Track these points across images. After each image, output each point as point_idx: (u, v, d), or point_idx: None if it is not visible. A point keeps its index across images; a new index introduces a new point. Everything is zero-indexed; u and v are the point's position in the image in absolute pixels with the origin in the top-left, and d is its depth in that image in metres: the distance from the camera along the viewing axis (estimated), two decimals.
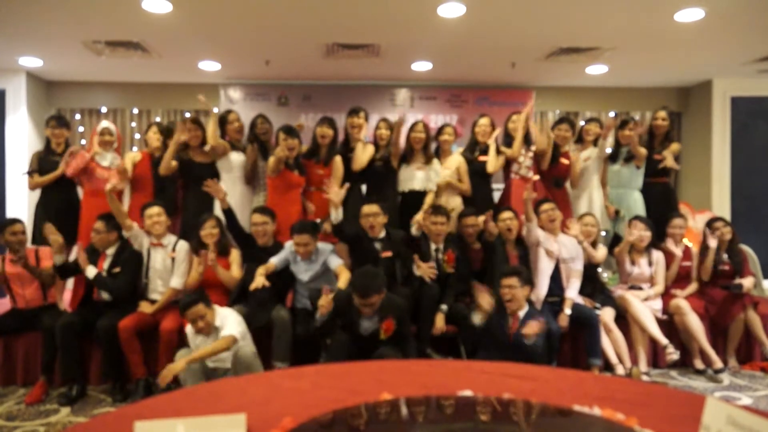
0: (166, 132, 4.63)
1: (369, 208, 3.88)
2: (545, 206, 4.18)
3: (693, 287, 4.46)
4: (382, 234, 3.95)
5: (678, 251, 4.45)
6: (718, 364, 4.02)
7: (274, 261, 3.74)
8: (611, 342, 4.01)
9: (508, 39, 5.16)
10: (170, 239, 3.93)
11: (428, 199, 4.40)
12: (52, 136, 4.42)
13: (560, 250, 4.11)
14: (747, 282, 4.32)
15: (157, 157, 4.47)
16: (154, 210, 3.85)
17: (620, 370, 3.93)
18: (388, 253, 3.89)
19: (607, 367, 3.97)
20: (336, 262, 3.75)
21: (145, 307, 3.77)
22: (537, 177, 4.65)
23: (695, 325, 4.10)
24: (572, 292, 4.06)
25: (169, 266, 3.86)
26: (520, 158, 4.61)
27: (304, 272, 3.78)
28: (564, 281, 4.10)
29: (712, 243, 4.38)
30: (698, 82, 6.86)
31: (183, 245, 3.90)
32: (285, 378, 1.76)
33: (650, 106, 6.89)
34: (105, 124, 4.47)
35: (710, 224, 4.56)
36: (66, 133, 4.49)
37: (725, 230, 4.47)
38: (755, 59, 5.80)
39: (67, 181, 4.39)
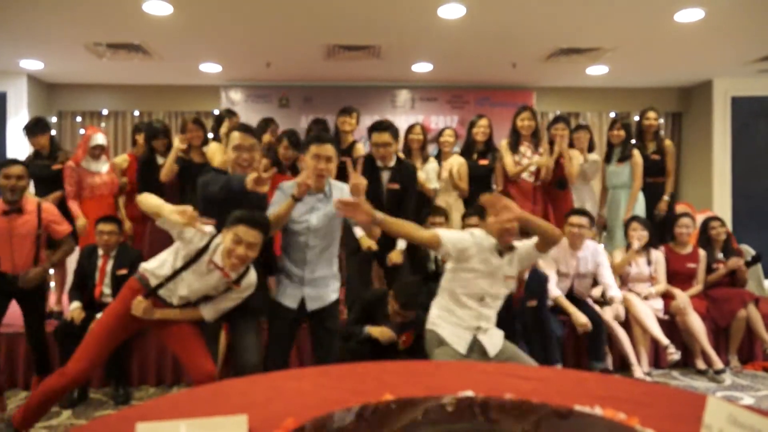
0: (148, 129, 4.45)
1: (380, 137, 3.53)
2: (574, 219, 3.91)
3: (697, 289, 4.46)
4: (392, 163, 3.63)
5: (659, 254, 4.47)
6: (719, 364, 4.02)
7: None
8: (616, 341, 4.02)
9: (508, 40, 5.17)
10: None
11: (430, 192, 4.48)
12: (31, 144, 4.28)
13: (578, 265, 4.00)
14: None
15: (141, 160, 4.39)
16: (252, 236, 2.48)
17: (639, 372, 3.92)
18: (395, 186, 3.62)
19: (623, 366, 3.99)
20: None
21: (146, 310, 2.55)
22: (538, 183, 4.62)
23: (696, 325, 4.10)
24: (616, 291, 4.02)
25: (210, 287, 2.62)
26: (524, 160, 4.60)
27: (310, 212, 2.74)
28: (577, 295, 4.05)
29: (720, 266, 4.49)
30: (699, 83, 6.86)
31: (250, 282, 2.66)
32: (286, 379, 1.76)
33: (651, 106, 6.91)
34: (99, 140, 4.22)
35: (706, 224, 4.60)
36: (43, 138, 4.24)
37: (721, 230, 4.54)
38: (755, 59, 5.80)
39: (58, 186, 4.22)
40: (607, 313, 4.05)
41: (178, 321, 2.63)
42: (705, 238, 4.60)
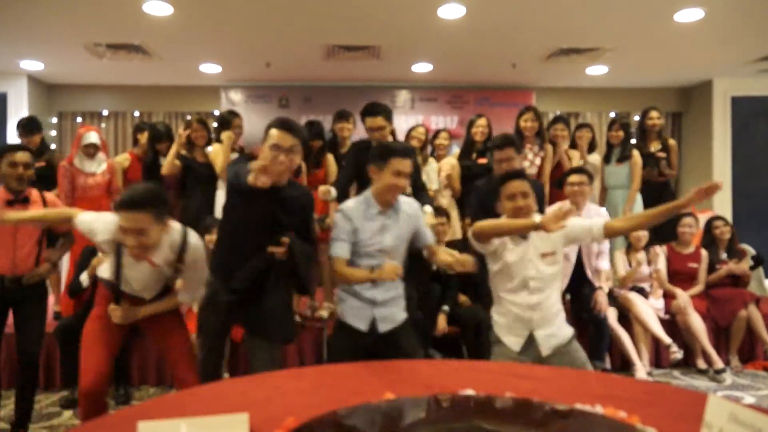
0: (152, 132, 4.42)
1: (374, 121, 3.43)
2: (574, 177, 3.82)
3: (698, 288, 4.46)
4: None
5: (661, 255, 4.45)
6: (719, 364, 4.02)
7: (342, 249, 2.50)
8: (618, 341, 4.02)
9: (508, 40, 5.17)
10: (166, 245, 2.41)
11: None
12: (25, 143, 4.22)
13: None
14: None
15: (146, 160, 4.39)
16: (135, 221, 2.22)
17: (642, 372, 3.90)
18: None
19: (623, 366, 3.97)
20: (429, 235, 2.71)
21: (124, 316, 2.44)
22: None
23: (697, 324, 4.10)
24: (605, 264, 3.92)
25: (154, 275, 2.49)
26: (526, 163, 4.59)
27: (382, 232, 2.53)
28: (587, 268, 3.88)
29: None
30: (698, 82, 6.86)
31: (195, 254, 2.49)
32: (287, 378, 1.76)
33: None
34: (92, 139, 4.12)
35: (710, 223, 4.61)
36: (38, 137, 4.29)
37: (725, 229, 4.55)
38: (755, 59, 5.81)
39: (44, 183, 3.97)
40: (611, 316, 4.05)
41: (163, 312, 2.55)
42: (709, 237, 4.60)
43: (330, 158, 4.38)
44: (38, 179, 4.07)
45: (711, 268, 4.51)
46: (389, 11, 4.42)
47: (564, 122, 4.75)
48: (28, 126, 4.27)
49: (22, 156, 2.88)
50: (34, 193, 3.00)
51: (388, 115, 3.48)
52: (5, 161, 2.85)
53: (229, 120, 4.37)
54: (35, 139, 4.28)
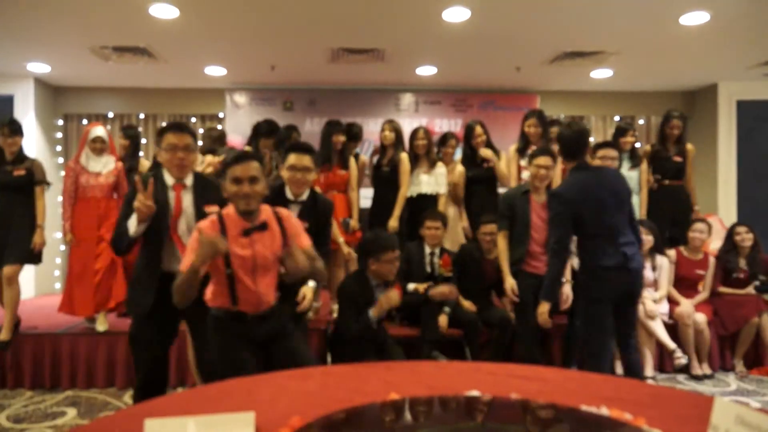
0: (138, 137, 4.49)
1: (300, 160, 2.89)
2: (603, 152, 3.70)
3: (703, 296, 4.43)
4: (305, 196, 2.97)
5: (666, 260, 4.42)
6: (699, 371, 4.11)
7: None
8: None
9: (512, 43, 5.17)
10: None
11: (441, 202, 4.41)
12: (5, 144, 3.95)
13: None
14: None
15: (127, 164, 4.40)
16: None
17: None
18: (304, 224, 2.71)
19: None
20: None
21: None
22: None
23: (691, 338, 4.11)
24: None
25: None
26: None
27: None
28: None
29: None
30: (704, 86, 6.85)
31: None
32: (292, 378, 1.77)
33: (655, 110, 6.90)
34: (98, 132, 4.04)
35: (732, 229, 4.56)
36: (19, 140, 4.02)
37: (746, 236, 4.46)
38: (761, 63, 5.79)
39: (22, 193, 3.97)
40: None
41: None
42: (730, 243, 4.52)
43: (353, 162, 4.40)
44: (17, 188, 3.91)
45: (728, 275, 4.46)
46: (394, 14, 4.43)
47: (559, 126, 4.75)
48: (15, 125, 4.00)
49: (250, 168, 2.23)
50: (265, 211, 2.35)
51: (316, 159, 2.98)
52: (228, 177, 2.25)
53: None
54: (18, 140, 4.01)
